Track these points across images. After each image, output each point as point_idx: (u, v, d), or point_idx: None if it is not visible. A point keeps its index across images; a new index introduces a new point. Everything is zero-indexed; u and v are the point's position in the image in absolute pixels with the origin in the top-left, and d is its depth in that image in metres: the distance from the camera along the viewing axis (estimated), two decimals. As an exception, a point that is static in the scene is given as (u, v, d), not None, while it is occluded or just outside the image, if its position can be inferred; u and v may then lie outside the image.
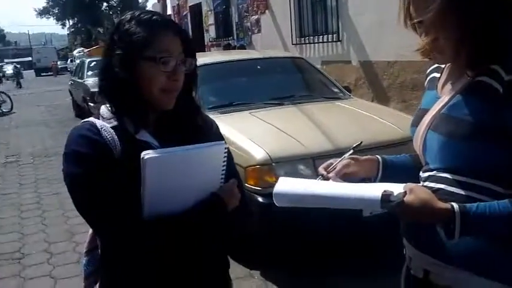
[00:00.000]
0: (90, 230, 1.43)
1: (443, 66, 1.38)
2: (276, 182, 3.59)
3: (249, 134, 3.83)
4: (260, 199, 3.31)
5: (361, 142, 1.57)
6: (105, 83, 1.34)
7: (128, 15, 1.35)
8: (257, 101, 4.61)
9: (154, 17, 1.33)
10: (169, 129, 1.37)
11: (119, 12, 36.80)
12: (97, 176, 1.24)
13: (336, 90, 5.19)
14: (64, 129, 11.56)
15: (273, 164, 3.45)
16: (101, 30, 36.15)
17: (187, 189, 1.28)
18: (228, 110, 4.45)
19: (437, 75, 1.39)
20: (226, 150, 1.31)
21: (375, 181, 1.45)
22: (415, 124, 1.36)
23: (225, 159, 1.31)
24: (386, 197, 1.12)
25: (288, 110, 4.46)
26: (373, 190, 1.15)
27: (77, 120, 12.55)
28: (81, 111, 12.25)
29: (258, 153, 3.51)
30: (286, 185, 1.33)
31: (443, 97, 1.28)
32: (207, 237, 1.36)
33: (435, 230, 1.20)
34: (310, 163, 3.47)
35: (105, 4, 39.10)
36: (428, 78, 1.44)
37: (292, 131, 3.83)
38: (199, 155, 1.28)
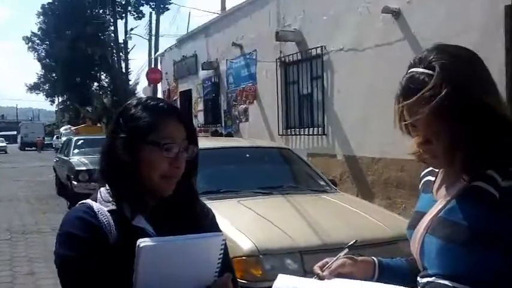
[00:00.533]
0: None
1: (437, 169, 1.39)
2: (261, 275, 3.46)
3: (237, 223, 3.78)
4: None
5: (356, 241, 1.55)
6: (107, 165, 1.35)
7: (134, 101, 1.39)
8: (245, 190, 4.61)
9: (160, 104, 1.36)
10: (165, 215, 1.36)
11: (109, 92, 37.52)
12: (89, 261, 1.22)
13: (322, 183, 5.22)
14: (44, 206, 11.34)
15: (260, 256, 3.38)
16: (89, 109, 36.62)
17: (180, 280, 1.25)
18: (216, 197, 4.40)
19: (432, 178, 1.41)
20: (223, 242, 1.29)
21: None
22: (412, 227, 1.35)
23: (222, 251, 1.29)
24: None
25: (277, 201, 4.46)
26: None
27: (58, 198, 12.34)
28: (64, 189, 12.06)
29: (245, 244, 3.45)
30: (285, 283, 1.30)
31: (439, 201, 1.29)
32: None
33: None
34: (297, 257, 3.41)
35: (95, 84, 39.91)
36: (422, 181, 1.46)
37: (280, 222, 3.80)
38: (196, 246, 1.26)
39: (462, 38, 6.21)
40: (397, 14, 7.28)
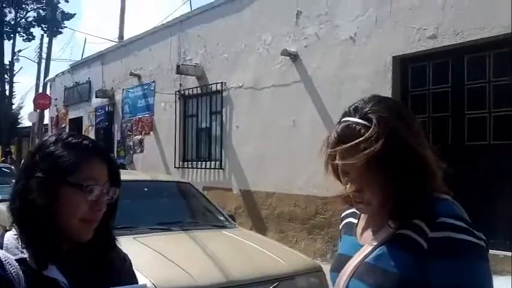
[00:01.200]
0: None
1: (363, 214, 1.41)
2: None
3: (133, 261, 3.59)
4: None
5: (278, 284, 1.54)
6: (18, 208, 1.21)
7: (53, 137, 1.28)
8: (142, 225, 4.43)
9: (84, 142, 1.27)
10: (80, 264, 1.26)
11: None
12: None
13: (222, 218, 5.19)
14: None
15: (159, 296, 3.23)
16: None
17: None
18: (110, 233, 4.19)
19: (354, 220, 1.43)
20: None
21: None
22: (336, 270, 1.36)
23: None
24: None
25: (176, 237, 4.33)
26: None
27: None
28: None
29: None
30: None
31: (365, 246, 1.30)
32: None
33: None
34: (198, 296, 3.32)
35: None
36: (343, 222, 1.48)
37: (179, 260, 3.69)
38: None
39: (354, 83, 6.67)
40: (295, 57, 7.63)
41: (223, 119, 9.18)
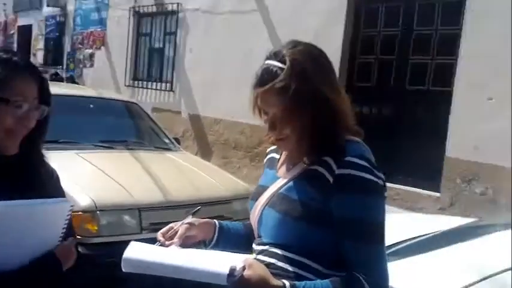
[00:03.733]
0: None
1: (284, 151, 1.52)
2: (97, 231, 3.39)
3: (74, 176, 3.66)
4: (80, 249, 3.17)
5: (200, 208, 1.68)
6: None
7: None
8: (86, 142, 4.46)
9: (14, 58, 1.29)
10: (7, 177, 1.30)
11: None
12: None
13: (167, 141, 5.26)
14: None
15: (98, 212, 3.36)
16: None
17: (23, 245, 1.23)
18: (52, 147, 4.20)
19: (276, 156, 1.55)
20: (70, 208, 1.29)
21: (210, 243, 1.53)
22: (254, 198, 1.49)
23: (68, 217, 1.29)
24: (232, 271, 1.19)
25: (119, 156, 4.41)
26: (221, 264, 1.22)
27: None
28: None
29: (82, 199, 3.37)
30: (135, 251, 1.31)
31: (281, 178, 1.43)
32: None
33: None
34: (136, 214, 3.48)
35: None
36: (267, 157, 1.60)
37: (120, 178, 3.78)
38: (41, 211, 1.24)
39: (309, 18, 6.72)
40: (254, -16, 7.53)
41: (177, 41, 9.06)
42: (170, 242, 1.42)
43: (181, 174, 4.34)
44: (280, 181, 1.42)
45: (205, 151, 8.47)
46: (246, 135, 7.71)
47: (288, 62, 1.32)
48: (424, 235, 2.07)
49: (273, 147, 1.57)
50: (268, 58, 1.38)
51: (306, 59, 1.34)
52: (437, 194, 5.65)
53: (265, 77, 1.34)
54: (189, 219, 1.51)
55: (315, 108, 1.32)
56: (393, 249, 1.93)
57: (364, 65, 6.53)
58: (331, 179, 1.30)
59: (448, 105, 5.57)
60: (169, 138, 5.35)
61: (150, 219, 3.53)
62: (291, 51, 1.35)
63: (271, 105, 1.34)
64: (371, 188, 1.29)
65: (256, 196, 1.48)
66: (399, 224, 2.75)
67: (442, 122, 5.64)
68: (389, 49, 6.26)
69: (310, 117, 1.32)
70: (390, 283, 1.30)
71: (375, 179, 1.30)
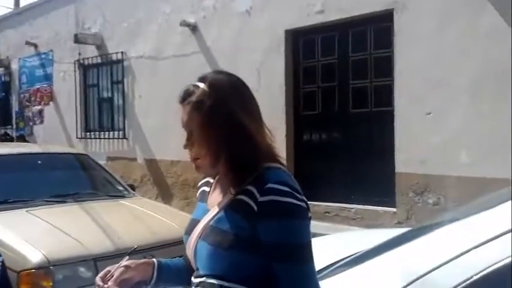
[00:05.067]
0: None
1: (211, 181, 1.58)
2: (53, 287, 3.33)
3: (25, 234, 3.64)
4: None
5: (136, 247, 1.70)
6: None
7: None
8: (37, 199, 4.43)
9: None
10: None
11: None
12: None
13: (120, 188, 5.27)
14: None
15: (51, 267, 3.33)
16: None
17: None
18: (2, 208, 4.18)
19: (207, 189, 1.59)
20: (1, 264, 1.29)
21: (150, 283, 1.54)
22: (188, 233, 1.52)
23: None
24: None
25: (71, 209, 4.38)
26: None
27: None
28: None
29: (34, 256, 3.35)
30: None
31: (211, 210, 1.47)
32: None
33: None
34: (91, 265, 3.45)
35: None
36: (199, 191, 1.64)
37: (73, 230, 3.77)
38: None
39: (250, 55, 6.93)
40: (194, 27, 7.72)
41: (125, 89, 9.11)
42: (107, 286, 1.43)
43: (136, 219, 4.35)
44: (210, 213, 1.46)
45: (165, 194, 8.43)
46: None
47: (207, 82, 1.40)
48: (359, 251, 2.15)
49: (204, 180, 1.62)
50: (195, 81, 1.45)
51: (225, 83, 1.42)
52: (394, 209, 5.81)
53: (186, 94, 1.41)
54: (125, 261, 1.52)
55: (229, 130, 1.36)
56: (331, 268, 2.00)
57: (308, 94, 6.74)
58: (255, 207, 1.33)
59: (392, 124, 5.79)
60: (123, 186, 5.35)
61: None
62: (214, 75, 1.43)
63: (189, 120, 1.40)
64: (294, 211, 1.33)
65: (189, 230, 1.51)
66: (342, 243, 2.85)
67: (388, 139, 5.85)
68: (330, 77, 6.51)
69: (224, 139, 1.37)
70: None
71: (297, 202, 1.33)
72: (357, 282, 1.71)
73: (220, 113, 1.36)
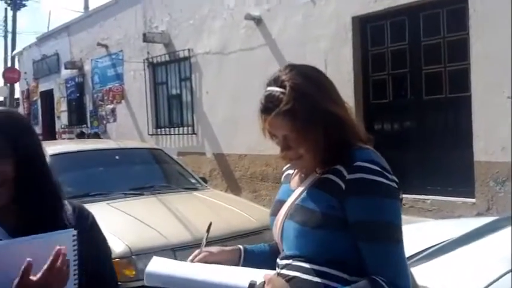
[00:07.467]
0: None
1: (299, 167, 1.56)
2: (135, 275, 3.46)
3: (107, 225, 3.76)
4: (121, 294, 3.25)
5: (211, 223, 1.70)
6: None
7: None
8: (116, 192, 4.59)
9: None
10: (19, 217, 1.31)
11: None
12: None
13: (193, 181, 5.37)
14: None
15: (133, 256, 3.44)
16: None
17: None
18: (84, 201, 4.35)
19: (291, 171, 1.59)
20: (74, 238, 1.25)
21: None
22: (274, 214, 1.52)
23: (75, 246, 1.25)
24: (251, 286, 1.23)
25: (148, 201, 4.51)
26: (241, 278, 1.26)
27: None
28: None
29: (117, 246, 3.46)
30: (158, 265, 1.36)
31: (296, 190, 1.47)
32: None
33: None
34: (170, 254, 3.52)
35: None
36: (284, 174, 1.64)
37: (152, 222, 3.89)
38: (43, 245, 1.21)
39: (316, 45, 6.84)
40: (258, 21, 7.73)
41: (192, 85, 9.28)
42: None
43: (211, 210, 4.41)
44: (295, 193, 1.46)
45: (234, 187, 8.53)
46: (271, 166, 7.76)
47: (288, 87, 1.37)
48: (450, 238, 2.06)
49: (289, 164, 1.60)
50: (268, 85, 1.43)
51: (304, 80, 1.40)
52: (473, 200, 5.56)
53: (270, 104, 1.38)
54: (205, 239, 1.56)
55: (325, 125, 1.36)
56: (424, 253, 1.92)
57: (378, 82, 6.57)
58: (343, 185, 1.33)
59: (469, 110, 5.54)
60: (195, 178, 5.45)
61: (185, 258, 3.57)
62: (288, 75, 1.40)
63: (281, 129, 1.39)
64: (382, 189, 1.31)
65: (275, 211, 1.51)
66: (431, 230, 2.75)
67: (465, 126, 5.61)
68: (401, 63, 6.30)
69: (322, 134, 1.36)
70: (424, 283, 1.28)
71: (386, 181, 1.32)
72: (458, 266, 1.63)
73: (311, 113, 1.36)
